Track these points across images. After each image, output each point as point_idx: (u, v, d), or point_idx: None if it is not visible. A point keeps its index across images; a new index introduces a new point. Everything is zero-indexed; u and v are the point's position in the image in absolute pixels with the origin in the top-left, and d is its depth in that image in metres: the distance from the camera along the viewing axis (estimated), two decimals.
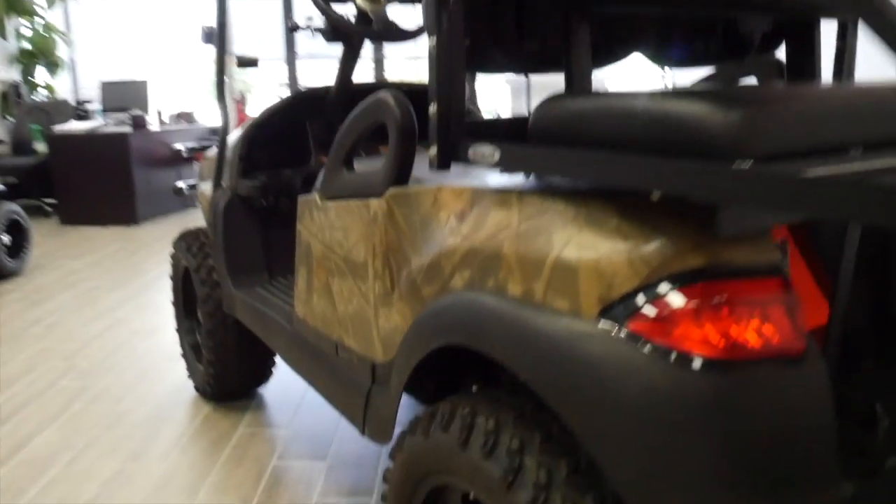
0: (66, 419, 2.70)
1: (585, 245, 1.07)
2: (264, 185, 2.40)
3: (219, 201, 2.46)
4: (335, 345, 1.76)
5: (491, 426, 1.18)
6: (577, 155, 1.05)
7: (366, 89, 2.66)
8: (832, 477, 1.03)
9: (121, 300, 4.26)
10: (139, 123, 6.79)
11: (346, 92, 2.40)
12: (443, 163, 1.30)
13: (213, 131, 8.16)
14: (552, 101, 1.20)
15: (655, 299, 1.00)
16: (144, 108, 7.68)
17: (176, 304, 2.97)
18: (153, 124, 7.30)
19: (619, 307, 1.02)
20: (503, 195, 1.25)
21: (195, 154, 7.53)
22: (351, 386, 1.70)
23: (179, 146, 7.31)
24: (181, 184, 7.05)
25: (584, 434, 1.03)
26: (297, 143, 2.60)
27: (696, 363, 0.97)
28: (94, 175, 6.59)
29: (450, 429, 1.23)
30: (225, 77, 2.51)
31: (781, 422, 0.99)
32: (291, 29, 2.31)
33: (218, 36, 2.42)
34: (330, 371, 1.79)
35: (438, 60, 1.24)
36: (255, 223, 2.49)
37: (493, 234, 1.22)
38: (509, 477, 1.11)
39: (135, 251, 5.59)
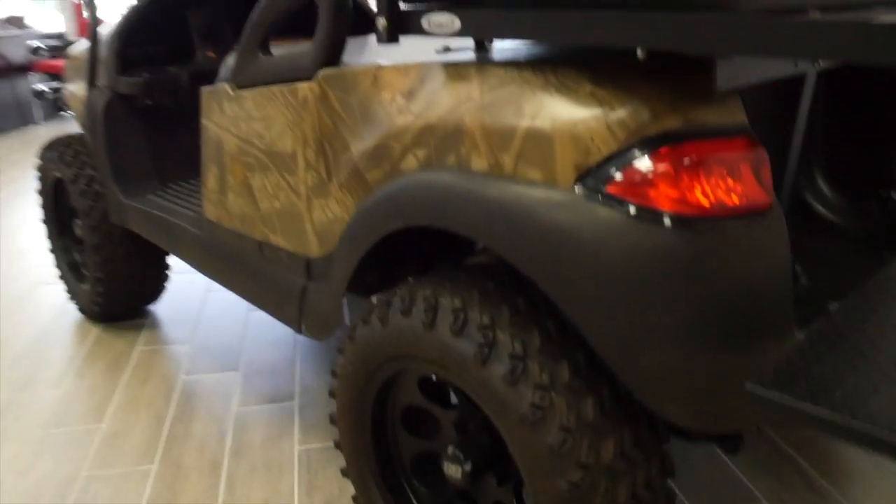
0: None
1: (559, 113, 1.04)
2: (148, 83, 2.18)
3: (96, 102, 2.22)
4: (259, 245, 1.66)
5: (457, 305, 1.16)
6: (558, 15, 1.00)
7: None
8: (789, 324, 1.09)
9: None
10: None
11: None
12: (392, 35, 1.21)
13: (48, 36, 7.35)
14: None
15: (634, 162, 1.00)
16: None
17: (47, 221, 2.71)
18: None
19: (597, 172, 1.01)
20: (459, 68, 1.19)
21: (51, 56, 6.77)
22: (281, 286, 1.62)
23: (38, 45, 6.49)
24: (41, 86, 6.30)
25: (565, 299, 1.03)
26: (177, 38, 2.38)
27: (677, 221, 0.98)
28: None
29: (412, 313, 1.20)
30: None
31: (751, 274, 1.04)
32: None
33: None
34: (254, 273, 1.70)
35: None
36: (139, 125, 2.28)
37: (453, 109, 1.16)
38: (483, 352, 1.10)
39: None
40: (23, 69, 6.82)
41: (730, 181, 1.02)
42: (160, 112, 2.32)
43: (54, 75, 7.17)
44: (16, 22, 7.11)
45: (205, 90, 1.72)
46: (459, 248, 1.63)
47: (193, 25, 2.35)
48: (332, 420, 1.47)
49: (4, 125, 6.58)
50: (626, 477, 1.09)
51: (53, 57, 7.13)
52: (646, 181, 0.99)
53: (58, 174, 2.48)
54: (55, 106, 7.13)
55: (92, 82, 2.27)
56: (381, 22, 1.20)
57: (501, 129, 1.09)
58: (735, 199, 1.01)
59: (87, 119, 2.27)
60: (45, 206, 2.69)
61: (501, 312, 1.14)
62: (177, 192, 2.23)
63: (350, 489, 1.74)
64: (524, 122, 1.07)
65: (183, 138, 2.39)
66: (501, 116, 1.10)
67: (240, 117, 1.62)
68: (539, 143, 1.05)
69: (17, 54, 6.76)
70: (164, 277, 2.57)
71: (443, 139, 1.17)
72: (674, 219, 0.98)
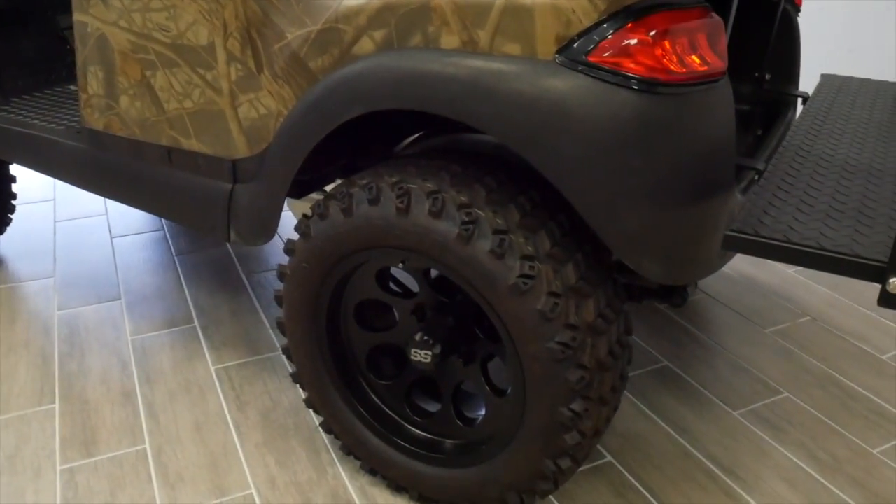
0: None
1: None
2: None
3: None
4: (167, 151, 1.53)
5: (431, 188, 1.16)
6: None
7: None
8: (733, 180, 1.21)
9: None
10: None
11: None
12: None
13: None
14: None
15: (615, 31, 1.04)
16: None
17: None
18: None
19: (578, 43, 1.04)
20: None
21: None
22: (198, 193, 1.51)
23: None
24: None
25: (550, 165, 1.07)
26: None
27: (654, 87, 1.04)
28: None
29: (381, 201, 1.18)
30: None
31: (713, 134, 1.13)
32: None
33: None
34: (159, 183, 1.56)
35: None
36: None
37: None
38: (467, 230, 1.11)
39: None
40: None
41: (697, 48, 1.09)
42: None
43: None
44: None
45: None
46: (381, 140, 1.61)
47: None
48: (280, 326, 1.42)
49: None
50: (605, 335, 1.18)
51: None
52: (624, 50, 1.04)
53: None
54: None
55: None
56: None
57: (476, 5, 1.08)
58: (702, 66, 1.09)
59: None
60: None
61: (476, 191, 1.16)
62: (31, 105, 1.97)
63: (283, 399, 1.71)
64: None
65: (20, 44, 2.10)
66: None
67: (132, 9, 1.45)
68: (518, 16, 1.06)
69: None
70: (10, 209, 2.28)
71: (406, 18, 1.14)
72: (651, 84, 1.04)
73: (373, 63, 1.17)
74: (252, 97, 1.36)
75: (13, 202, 2.29)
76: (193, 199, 1.52)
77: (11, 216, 2.32)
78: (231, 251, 2.40)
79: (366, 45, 1.19)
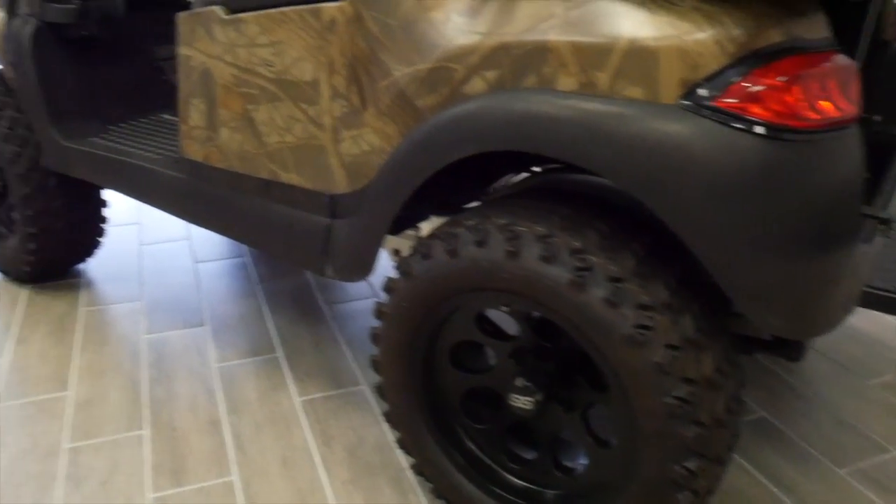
0: None
1: (663, 27, 1.01)
2: (81, 9, 1.94)
3: (20, 32, 1.95)
4: (265, 184, 1.54)
5: (541, 232, 1.13)
6: None
7: None
8: (858, 230, 1.15)
9: None
10: None
11: None
12: None
13: None
14: None
15: (744, 75, 0.99)
16: None
17: None
18: None
19: (705, 86, 1.00)
20: None
21: None
22: (295, 227, 1.51)
23: None
24: None
25: (671, 213, 1.03)
26: None
27: (784, 134, 0.99)
28: None
29: (489, 243, 1.16)
30: None
31: (843, 183, 1.07)
32: None
33: None
34: (256, 216, 1.57)
35: None
36: (72, 58, 2.03)
37: (531, 27, 1.11)
38: (580, 277, 1.08)
39: None
40: None
41: (829, 94, 1.03)
42: (92, 44, 2.08)
43: None
44: None
45: (184, 16, 1.55)
46: (472, 178, 1.58)
47: None
48: (374, 364, 1.40)
49: None
50: (722, 390, 1.12)
51: None
52: (753, 95, 0.99)
53: None
54: None
55: (12, 10, 1.99)
56: None
57: (596, 47, 1.05)
58: (833, 112, 1.03)
59: (10, 52, 1.99)
60: None
61: (589, 236, 1.12)
62: (128, 133, 2.02)
63: (369, 436, 1.68)
64: (623, 38, 1.03)
65: (119, 74, 2.16)
66: (594, 33, 1.05)
67: (237, 44, 1.47)
68: (642, 59, 1.02)
69: None
70: (101, 232, 2.34)
71: (521, 58, 1.12)
72: (780, 130, 0.99)
73: (486, 103, 1.15)
74: (355, 133, 1.36)
75: (103, 226, 2.35)
76: (290, 232, 1.52)
77: (101, 240, 2.38)
78: (311, 280, 2.40)
79: (477, 84, 1.17)
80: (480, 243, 1.17)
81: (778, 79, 0.99)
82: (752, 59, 1.00)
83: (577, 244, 1.11)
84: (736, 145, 0.99)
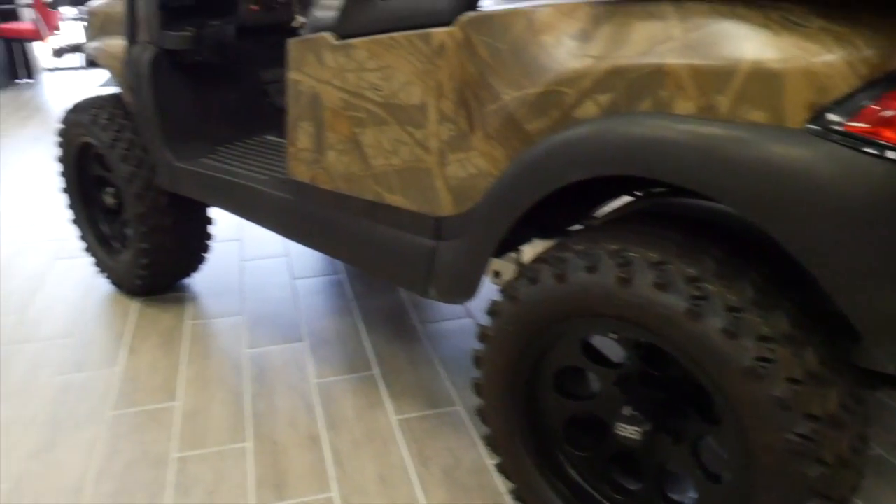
0: None
1: (789, 49, 0.98)
2: (196, 37, 2.03)
3: (140, 59, 2.06)
4: (370, 205, 1.56)
5: (655, 259, 1.10)
6: None
7: None
8: None
9: None
10: None
11: None
12: None
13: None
14: None
15: (878, 98, 0.94)
16: None
17: (70, 191, 2.53)
18: None
19: (834, 110, 0.96)
20: (648, 7, 1.11)
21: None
22: (399, 248, 1.53)
23: None
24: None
25: (797, 241, 0.98)
26: None
27: None
28: None
29: (599, 269, 1.14)
30: None
31: None
32: None
33: None
34: (361, 236, 1.60)
35: None
36: (186, 84, 2.12)
37: (647, 50, 1.09)
38: (696, 306, 1.05)
39: None
40: None
41: None
42: (203, 69, 2.17)
43: (7, 39, 6.74)
44: None
45: (294, 42, 1.60)
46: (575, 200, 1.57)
47: None
48: (476, 388, 1.40)
49: None
50: (847, 427, 1.06)
51: (5, 21, 6.69)
52: (888, 119, 0.94)
53: (88, 139, 2.30)
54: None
55: (133, 38, 2.10)
56: None
57: (716, 69, 1.02)
58: None
59: (130, 78, 2.10)
60: (66, 175, 2.50)
61: (705, 263, 1.09)
62: (235, 154, 2.09)
63: (465, 458, 1.68)
64: (746, 61, 1.00)
65: (227, 97, 2.25)
66: (715, 55, 1.03)
67: (346, 69, 1.51)
68: (766, 82, 0.99)
69: None
70: (206, 248, 2.43)
71: (636, 82, 1.10)
72: None
73: (599, 127, 1.13)
74: (462, 157, 1.37)
75: (209, 242, 2.44)
76: (394, 253, 1.54)
77: (206, 255, 2.47)
78: (405, 298, 2.43)
79: (589, 108, 1.16)
80: (591, 269, 1.15)
81: None
82: (886, 82, 0.95)
83: (692, 271, 1.08)
84: (867, 171, 0.95)
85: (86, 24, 2.42)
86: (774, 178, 0.98)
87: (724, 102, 1.03)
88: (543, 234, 1.61)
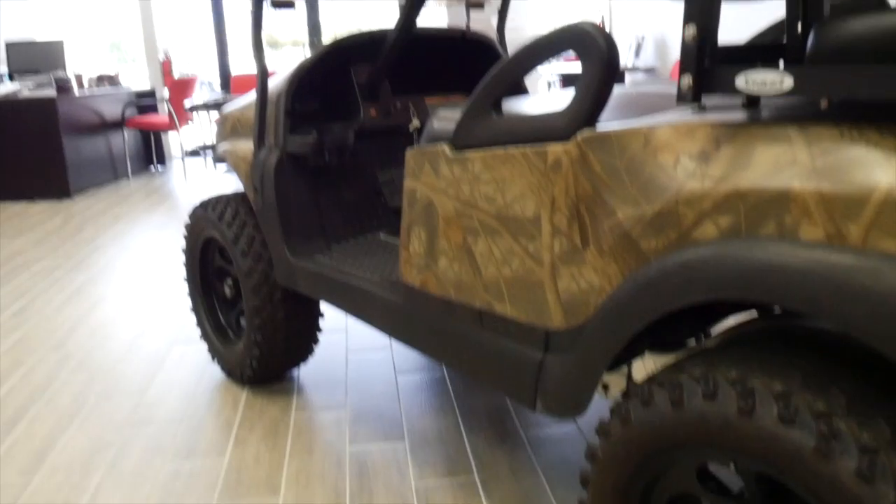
0: (85, 417, 2.38)
1: None
2: (319, 142, 2.14)
3: (265, 162, 2.19)
4: (479, 313, 1.57)
5: (779, 390, 1.04)
6: None
7: (425, 35, 2.43)
8: None
9: (89, 279, 3.85)
10: (64, 87, 6.17)
11: (408, 37, 2.17)
12: (697, 94, 1.13)
13: (140, 94, 7.55)
14: (845, 18, 1.05)
15: None
16: (62, 70, 7.00)
17: (192, 281, 2.67)
18: (75, 88, 6.67)
19: None
20: (770, 130, 1.09)
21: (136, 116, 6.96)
22: (507, 358, 1.52)
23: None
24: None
25: None
26: (339, 94, 2.35)
27: None
28: (16, 145, 5.95)
29: (717, 396, 1.09)
30: (262, 23, 2.21)
31: None
32: None
33: None
34: (469, 344, 1.60)
35: None
36: (307, 184, 2.23)
37: (771, 173, 1.06)
38: (825, 445, 0.98)
39: (80, 226, 5.10)
40: (116, 125, 6.99)
41: None
42: (323, 169, 2.28)
43: (145, 131, 7.34)
44: (109, 80, 7.33)
45: (413, 151, 1.66)
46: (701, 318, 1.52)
47: (357, 82, 2.32)
48: None
49: (100, 179, 6.72)
50: None
51: (143, 113, 7.32)
52: None
53: (212, 234, 2.44)
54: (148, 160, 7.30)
55: (260, 142, 2.24)
56: (686, 80, 1.12)
57: (846, 196, 0.99)
58: None
59: (255, 179, 2.23)
60: (190, 266, 2.65)
61: (835, 397, 1.02)
62: (346, 253, 2.17)
63: None
64: (880, 189, 0.96)
65: (341, 196, 2.34)
66: (845, 182, 0.99)
67: (462, 179, 1.55)
68: None
69: (110, 110, 6.94)
70: (315, 340, 2.49)
71: (758, 206, 1.07)
72: None
73: (719, 250, 1.10)
74: (574, 271, 1.36)
75: (318, 334, 2.50)
76: (502, 363, 1.53)
77: (315, 346, 2.53)
78: (507, 400, 2.39)
79: (708, 230, 1.14)
80: (709, 396, 1.10)
81: None
82: None
83: (821, 406, 1.01)
84: None
85: (217, 126, 2.61)
86: None
87: (855, 231, 0.99)
88: (657, 349, 1.56)
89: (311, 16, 8.04)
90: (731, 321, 1.51)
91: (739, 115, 1.18)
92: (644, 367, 1.46)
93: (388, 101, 2.39)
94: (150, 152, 7.65)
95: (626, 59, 7.81)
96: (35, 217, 5.47)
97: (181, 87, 7.07)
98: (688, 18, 1.10)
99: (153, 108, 7.56)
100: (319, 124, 2.25)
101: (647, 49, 6.87)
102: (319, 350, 2.80)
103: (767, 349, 1.16)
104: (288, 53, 10.01)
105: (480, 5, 2.86)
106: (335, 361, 2.72)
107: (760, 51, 1.31)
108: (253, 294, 2.29)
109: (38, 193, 6.05)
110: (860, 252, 0.98)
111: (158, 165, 7.82)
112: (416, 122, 2.43)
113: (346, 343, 2.88)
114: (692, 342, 1.64)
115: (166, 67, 7.61)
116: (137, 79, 8.40)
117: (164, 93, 7.36)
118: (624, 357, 1.49)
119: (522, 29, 8.74)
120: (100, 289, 3.70)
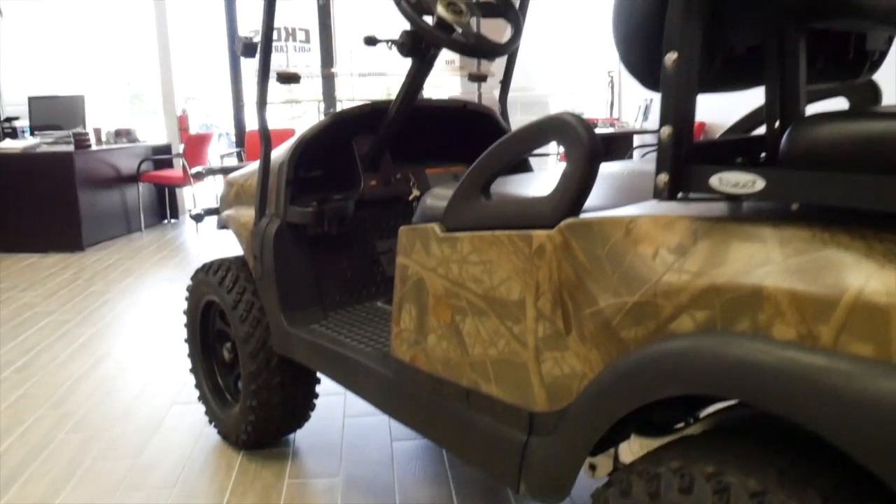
0: (81, 478, 2.39)
1: (894, 284, 0.95)
2: (319, 212, 2.18)
3: (266, 230, 2.23)
4: (465, 392, 1.58)
5: (754, 487, 1.04)
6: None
7: (428, 107, 2.49)
8: None
9: (95, 334, 3.89)
10: (82, 142, 6.31)
11: (409, 109, 2.23)
12: (673, 192, 1.16)
13: (157, 150, 7.71)
14: (814, 122, 1.08)
15: None
16: (81, 125, 7.17)
17: (192, 342, 2.70)
18: (93, 143, 6.82)
19: None
20: (746, 227, 1.11)
21: (141, 173, 7.10)
22: (492, 439, 1.52)
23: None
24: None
25: None
26: (340, 166, 2.40)
27: None
28: (33, 198, 6.07)
29: (693, 490, 1.09)
30: (267, 95, 2.28)
31: None
32: (369, 42, 2.12)
33: (262, 48, 2.20)
34: (456, 422, 1.61)
35: (679, 77, 1.11)
36: (305, 253, 2.27)
37: (745, 271, 1.08)
38: None
39: (90, 279, 5.16)
40: (132, 179, 7.12)
41: None
42: (322, 238, 2.32)
43: (159, 185, 7.48)
44: (126, 134, 7.50)
45: (406, 229, 1.69)
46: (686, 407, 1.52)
47: (359, 153, 2.37)
48: None
49: (114, 232, 6.83)
50: None
51: (158, 168, 7.47)
52: None
53: (213, 297, 2.48)
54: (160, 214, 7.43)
55: (261, 211, 2.29)
56: (663, 178, 1.15)
57: (817, 298, 1.00)
58: None
59: (255, 247, 2.27)
60: (191, 328, 2.68)
61: (810, 498, 1.02)
62: (342, 322, 2.19)
63: None
64: (850, 292, 0.97)
65: (340, 265, 2.38)
66: (816, 284, 1.01)
67: (451, 259, 1.57)
68: (870, 316, 0.95)
69: (126, 165, 7.08)
70: (312, 406, 2.50)
71: (733, 302, 1.09)
72: None
73: (694, 344, 1.12)
74: (557, 355, 1.37)
75: (314, 401, 2.51)
76: (487, 443, 1.53)
77: (311, 413, 2.53)
78: None
79: (685, 323, 1.15)
80: (685, 490, 1.10)
81: None
82: None
83: None
84: None
85: (223, 192, 2.66)
86: (881, 417, 0.93)
87: (826, 332, 1.00)
88: (644, 433, 1.56)
89: (326, 86, 8.21)
90: (718, 405, 1.51)
91: (719, 209, 1.20)
92: (630, 449, 1.46)
93: (388, 172, 2.44)
94: (165, 206, 7.77)
95: (634, 120, 7.92)
96: (47, 270, 5.55)
97: (197, 143, 7.22)
98: (663, 119, 1.14)
99: (169, 163, 7.70)
100: (320, 194, 2.29)
101: (654, 111, 6.97)
102: (316, 413, 2.80)
103: (747, 440, 1.16)
104: (308, 110, 10.18)
105: (484, 79, 2.94)
106: (332, 426, 2.72)
107: (743, 144, 1.34)
108: (250, 359, 2.30)
109: (52, 246, 6.14)
110: (831, 354, 0.99)
111: (172, 219, 7.93)
112: (416, 193, 2.47)
113: (343, 407, 2.88)
114: (682, 424, 1.64)
115: (182, 122, 7.79)
116: (156, 132, 8.58)
117: (180, 148, 7.52)
118: (610, 441, 1.49)
119: (532, 88, 8.90)
120: (106, 344, 3.74)
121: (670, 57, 1.10)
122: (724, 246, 1.13)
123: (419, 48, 2.03)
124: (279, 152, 2.32)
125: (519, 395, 1.46)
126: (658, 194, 1.17)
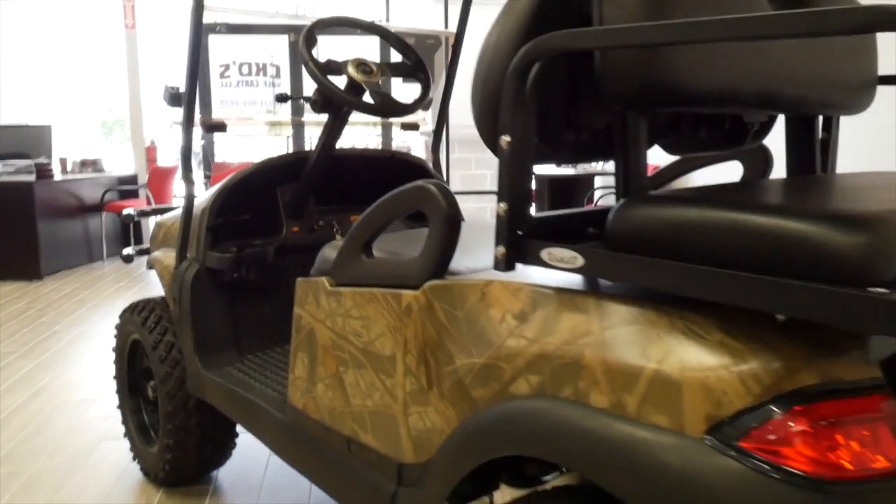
0: None
1: (688, 360, 1.03)
2: (236, 258, 2.25)
3: (185, 274, 2.29)
4: (347, 440, 1.64)
5: None
6: (696, 271, 1.01)
7: (356, 155, 2.58)
8: None
9: (37, 367, 3.90)
10: (44, 172, 6.35)
11: (328, 160, 2.31)
12: (509, 264, 1.24)
13: (122, 180, 7.76)
14: (634, 204, 1.16)
15: (770, 419, 0.97)
16: (47, 154, 7.21)
17: (119, 380, 2.74)
18: (57, 172, 6.86)
19: (729, 425, 0.99)
20: (575, 299, 1.20)
21: (106, 204, 7.14)
22: (368, 487, 1.58)
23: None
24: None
25: None
26: (264, 212, 2.48)
27: (815, 484, 0.94)
28: None
29: None
30: (192, 142, 2.36)
31: None
32: (280, 99, 2.21)
33: (186, 100, 2.29)
34: (338, 468, 1.67)
35: (512, 158, 1.19)
36: (223, 297, 2.33)
37: (570, 341, 1.17)
38: None
39: (43, 310, 5.17)
40: (95, 209, 7.16)
41: (871, 442, 0.98)
42: (242, 283, 2.38)
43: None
44: (91, 164, 7.54)
45: (302, 281, 1.77)
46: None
47: (283, 201, 2.45)
48: None
49: (74, 261, 6.84)
50: None
51: (123, 198, 7.51)
52: (782, 439, 0.96)
53: (137, 337, 2.53)
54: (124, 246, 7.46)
55: (181, 255, 2.35)
56: (500, 250, 1.23)
57: (624, 369, 1.08)
58: (877, 462, 0.97)
59: (174, 289, 2.33)
60: (118, 364, 2.73)
61: None
62: (256, 366, 2.24)
63: None
64: (650, 366, 1.06)
65: (260, 309, 2.44)
66: (624, 356, 1.09)
67: (336, 312, 1.65)
68: (666, 388, 1.04)
69: (90, 195, 7.11)
70: (233, 445, 2.54)
71: (559, 369, 1.17)
72: (812, 481, 0.94)
73: (525, 407, 1.19)
74: (421, 410, 1.44)
75: (235, 440, 2.55)
76: (363, 490, 1.59)
77: (231, 452, 2.58)
78: None
79: (521, 386, 1.23)
80: None
81: (812, 424, 0.96)
82: (785, 400, 0.98)
83: None
84: (763, 493, 0.95)
85: (153, 233, 2.73)
86: (671, 486, 1.00)
87: (631, 402, 1.08)
88: (513, 483, 1.63)
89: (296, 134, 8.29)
90: None
91: (563, 277, 1.28)
92: (502, 498, 1.53)
93: (312, 219, 2.52)
94: (129, 236, 7.80)
95: (596, 162, 8.05)
96: (1, 298, 5.55)
97: (162, 175, 7.28)
98: (500, 196, 1.23)
99: (135, 194, 7.75)
100: (242, 240, 2.36)
101: None
102: (241, 450, 2.83)
103: (591, 499, 1.22)
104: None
105: (416, 128, 3.04)
106: (255, 464, 2.76)
107: (598, 215, 1.43)
108: (168, 399, 2.35)
109: (10, 274, 6.15)
110: (634, 423, 1.07)
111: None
112: (340, 239, 2.54)
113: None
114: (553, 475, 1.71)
115: (150, 154, 7.85)
116: (125, 162, 8.63)
117: (146, 178, 7.57)
118: (477, 491, 1.56)
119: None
120: (46, 377, 3.75)
121: (504, 139, 1.19)
122: (556, 315, 1.21)
123: (331, 105, 2.13)
124: (202, 199, 2.39)
125: (390, 446, 1.53)
126: (497, 265, 1.25)
